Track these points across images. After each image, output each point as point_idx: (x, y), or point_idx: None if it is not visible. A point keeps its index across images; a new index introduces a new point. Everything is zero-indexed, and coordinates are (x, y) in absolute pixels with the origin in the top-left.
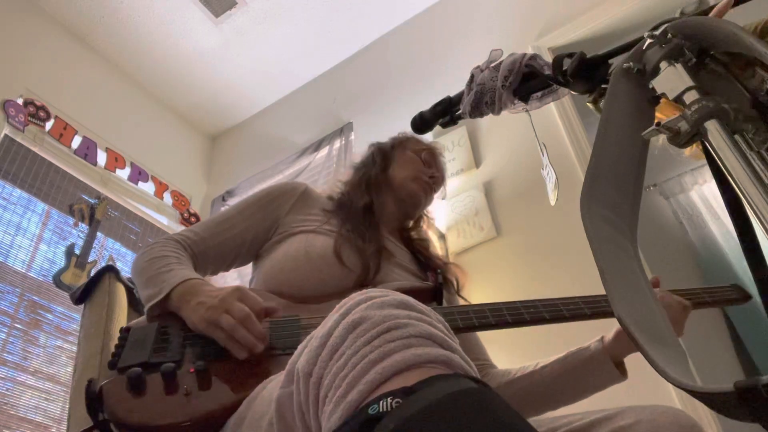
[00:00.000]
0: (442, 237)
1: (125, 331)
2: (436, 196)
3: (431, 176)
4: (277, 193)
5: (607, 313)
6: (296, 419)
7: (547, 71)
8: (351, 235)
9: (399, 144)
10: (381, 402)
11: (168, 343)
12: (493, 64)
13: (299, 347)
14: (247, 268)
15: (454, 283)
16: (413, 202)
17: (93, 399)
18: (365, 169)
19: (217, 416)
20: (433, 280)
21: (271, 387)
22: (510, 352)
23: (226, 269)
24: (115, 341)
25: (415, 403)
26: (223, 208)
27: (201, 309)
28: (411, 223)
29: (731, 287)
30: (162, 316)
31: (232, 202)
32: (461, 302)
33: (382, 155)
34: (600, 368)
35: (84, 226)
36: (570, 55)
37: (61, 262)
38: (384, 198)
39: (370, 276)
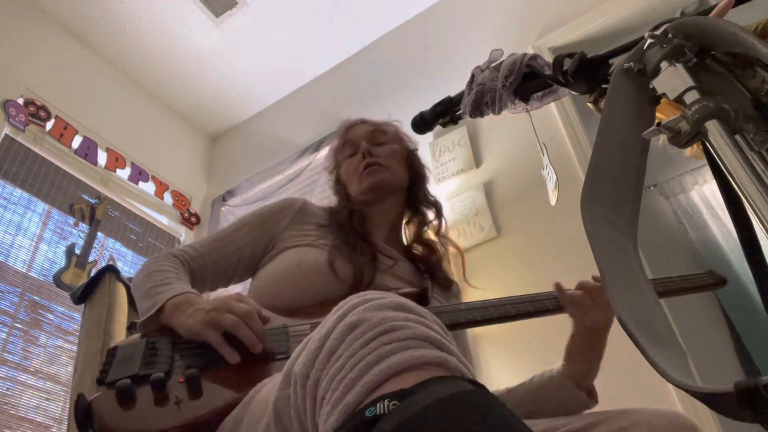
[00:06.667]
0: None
1: (112, 350)
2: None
3: (363, 160)
4: (273, 211)
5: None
6: (293, 422)
7: (548, 71)
8: (344, 247)
9: (336, 163)
10: (378, 404)
11: (157, 356)
12: (493, 64)
13: (297, 349)
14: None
15: (457, 270)
16: (372, 194)
17: (83, 414)
18: (337, 194)
19: (209, 421)
20: (420, 285)
21: (267, 390)
22: (508, 350)
23: (225, 285)
24: (116, 341)
25: (412, 406)
26: (229, 217)
27: (200, 314)
28: (407, 219)
29: (706, 273)
30: (151, 333)
31: (233, 202)
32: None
33: (337, 180)
34: (562, 390)
35: (84, 226)
36: (570, 55)
37: (61, 261)
38: (361, 208)
39: (363, 286)
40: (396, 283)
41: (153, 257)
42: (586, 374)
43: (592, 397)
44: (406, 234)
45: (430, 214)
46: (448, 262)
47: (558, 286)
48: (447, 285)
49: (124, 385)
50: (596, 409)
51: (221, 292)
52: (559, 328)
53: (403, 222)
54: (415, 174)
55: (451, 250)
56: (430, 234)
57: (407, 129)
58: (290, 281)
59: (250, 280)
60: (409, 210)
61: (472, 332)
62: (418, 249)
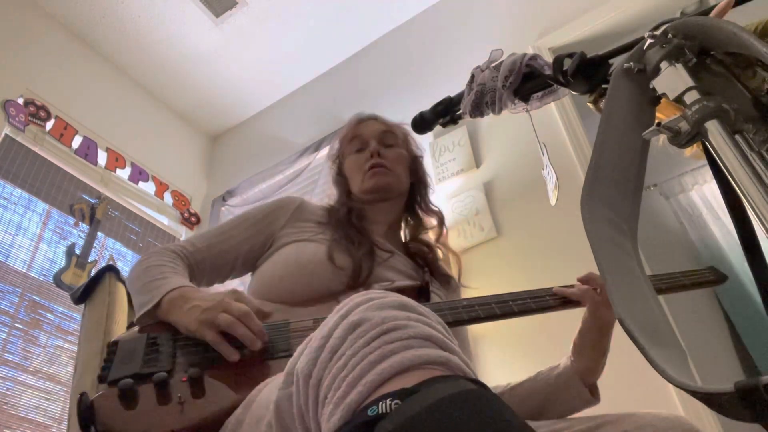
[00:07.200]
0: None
1: (113, 345)
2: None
3: (370, 159)
4: (272, 208)
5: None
6: (295, 421)
7: (548, 71)
8: (342, 241)
9: (341, 154)
10: (380, 403)
11: (158, 353)
12: (493, 64)
13: (299, 348)
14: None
15: (454, 273)
16: (376, 194)
17: (85, 413)
18: (337, 186)
19: (213, 422)
20: (421, 279)
21: (269, 389)
22: (504, 351)
23: (222, 281)
24: None
25: (414, 405)
26: (229, 217)
27: (196, 312)
28: (406, 220)
29: (707, 269)
30: (151, 327)
31: (233, 202)
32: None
33: (339, 171)
34: (569, 388)
35: (84, 226)
36: (570, 55)
37: (61, 261)
38: (360, 206)
39: (362, 277)
40: (395, 276)
41: (150, 252)
42: (594, 371)
43: (595, 394)
44: (404, 233)
45: (432, 221)
46: (446, 264)
47: (559, 291)
48: (446, 280)
49: (127, 384)
50: (597, 409)
51: (218, 287)
52: (559, 325)
53: (402, 223)
54: (418, 180)
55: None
56: (430, 236)
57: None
58: (290, 275)
59: (247, 275)
60: (408, 214)
61: (473, 330)
62: (415, 246)
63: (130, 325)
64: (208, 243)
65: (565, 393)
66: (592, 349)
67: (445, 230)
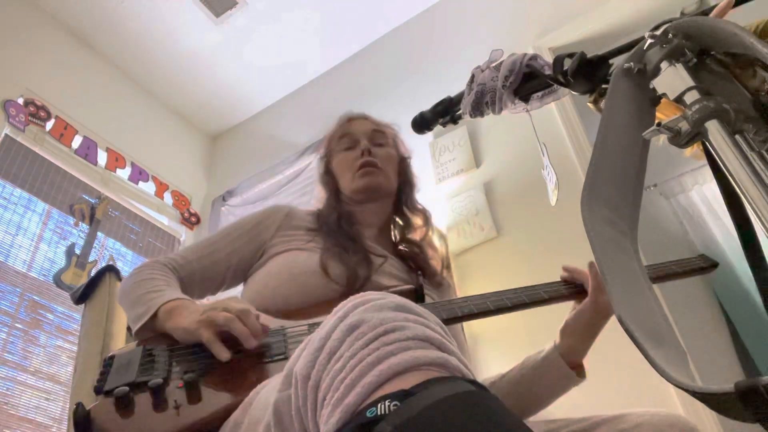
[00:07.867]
0: (442, 237)
1: (109, 359)
2: (389, 138)
3: (361, 158)
4: (261, 217)
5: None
6: (294, 423)
7: (548, 71)
8: (335, 249)
9: (329, 152)
10: (379, 405)
11: (154, 362)
12: (493, 64)
13: (297, 350)
14: (235, 291)
15: (438, 270)
16: (367, 194)
17: (82, 423)
18: (325, 185)
19: (211, 424)
20: (415, 282)
21: (267, 391)
22: (503, 350)
23: (214, 293)
24: (116, 341)
25: (413, 406)
26: (229, 217)
27: (195, 315)
28: (394, 221)
29: (698, 257)
30: (147, 340)
31: (233, 202)
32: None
33: (326, 170)
34: (553, 367)
35: (84, 226)
36: (570, 55)
37: (61, 261)
38: (350, 207)
39: (357, 285)
40: (390, 281)
41: (140, 266)
42: (579, 351)
43: (581, 374)
44: (394, 234)
45: (417, 221)
46: (443, 264)
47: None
48: (438, 281)
49: (122, 392)
50: (596, 410)
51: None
52: (558, 325)
53: (391, 225)
54: (405, 181)
55: (443, 251)
56: (416, 237)
57: (405, 132)
58: (283, 285)
59: (239, 286)
60: (396, 214)
61: (471, 330)
62: (406, 248)
63: (129, 329)
64: (198, 255)
65: (551, 373)
66: (583, 330)
67: (430, 230)
